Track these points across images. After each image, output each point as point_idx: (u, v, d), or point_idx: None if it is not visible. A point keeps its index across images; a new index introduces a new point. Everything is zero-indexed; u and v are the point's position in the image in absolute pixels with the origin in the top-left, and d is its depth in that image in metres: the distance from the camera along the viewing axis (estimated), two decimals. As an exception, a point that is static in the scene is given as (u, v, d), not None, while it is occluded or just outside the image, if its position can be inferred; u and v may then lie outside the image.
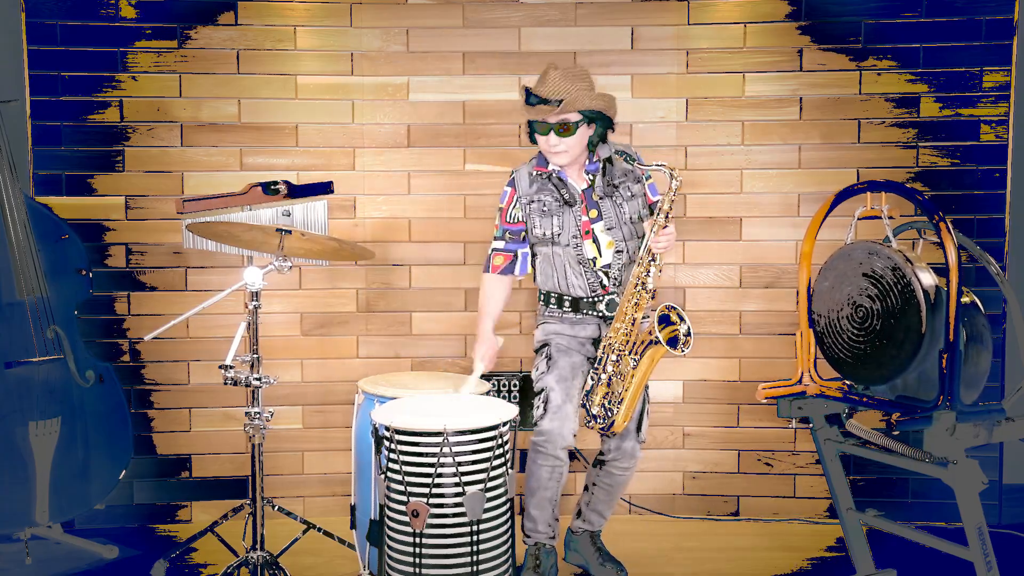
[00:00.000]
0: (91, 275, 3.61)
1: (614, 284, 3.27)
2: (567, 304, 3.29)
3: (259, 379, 3.07)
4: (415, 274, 4.01)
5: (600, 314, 3.27)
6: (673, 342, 3.07)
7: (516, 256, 3.34)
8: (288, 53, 3.90)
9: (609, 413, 3.16)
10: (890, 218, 2.84)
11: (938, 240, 2.62)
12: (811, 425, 3.00)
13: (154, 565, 3.40)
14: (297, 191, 3.55)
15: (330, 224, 3.74)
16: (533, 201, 3.29)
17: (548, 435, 3.17)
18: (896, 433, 2.74)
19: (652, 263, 3.15)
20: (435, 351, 4.02)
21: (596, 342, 3.29)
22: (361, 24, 3.90)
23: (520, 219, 3.32)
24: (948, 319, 2.58)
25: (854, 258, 2.83)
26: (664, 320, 3.10)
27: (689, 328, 3.09)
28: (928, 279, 2.67)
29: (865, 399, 2.86)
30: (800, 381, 2.96)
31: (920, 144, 3.86)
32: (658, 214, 3.15)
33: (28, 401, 3.41)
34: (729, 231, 3.96)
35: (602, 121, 3.23)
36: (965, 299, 2.72)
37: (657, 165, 3.15)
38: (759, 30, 3.88)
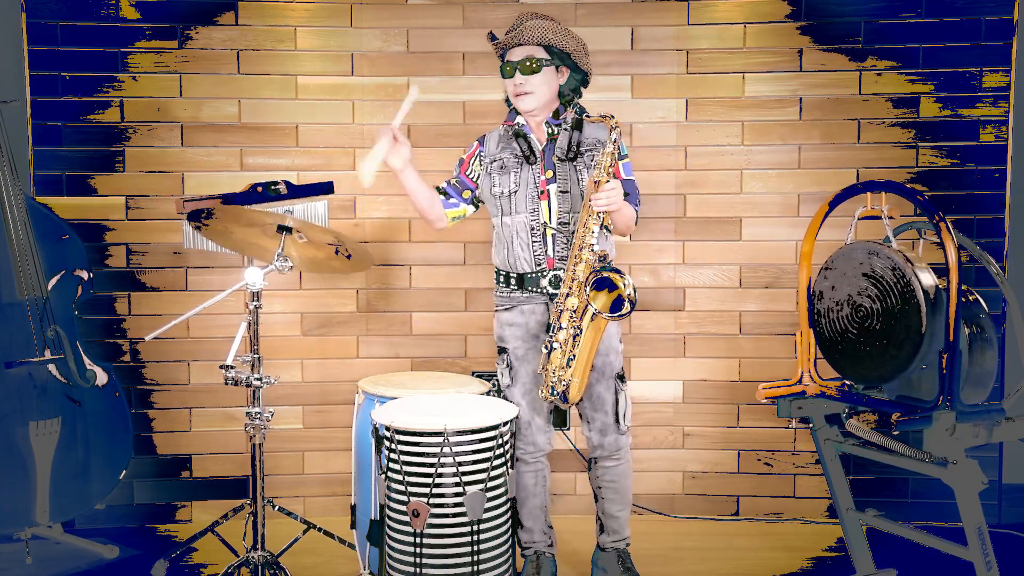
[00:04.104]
0: (91, 275, 3.62)
1: (559, 258, 3.15)
2: (513, 281, 3.20)
3: (259, 379, 3.06)
4: (415, 274, 4.01)
5: (544, 291, 3.16)
6: (618, 304, 2.98)
7: (451, 199, 3.25)
8: (288, 53, 3.90)
9: (563, 384, 3.02)
10: (890, 218, 2.85)
11: (938, 240, 2.62)
12: (811, 425, 3.00)
13: (154, 565, 3.40)
14: (297, 191, 3.55)
15: (330, 224, 3.74)
16: (495, 160, 3.21)
17: (525, 447, 3.20)
18: (896, 433, 2.74)
19: (596, 222, 2.99)
20: (435, 351, 4.03)
21: (549, 328, 3.15)
22: (361, 24, 3.90)
23: (477, 177, 3.24)
24: (948, 319, 2.58)
25: (854, 258, 2.84)
26: (602, 283, 2.99)
27: (630, 284, 2.96)
28: (928, 279, 2.67)
29: (865, 399, 2.86)
30: (800, 381, 2.96)
31: (920, 144, 3.86)
32: (596, 169, 3.01)
33: (28, 401, 3.41)
34: (729, 231, 3.96)
35: (574, 70, 3.15)
36: (968, 298, 2.72)
37: (601, 116, 3.05)
38: (759, 30, 3.88)
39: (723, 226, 3.96)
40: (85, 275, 3.60)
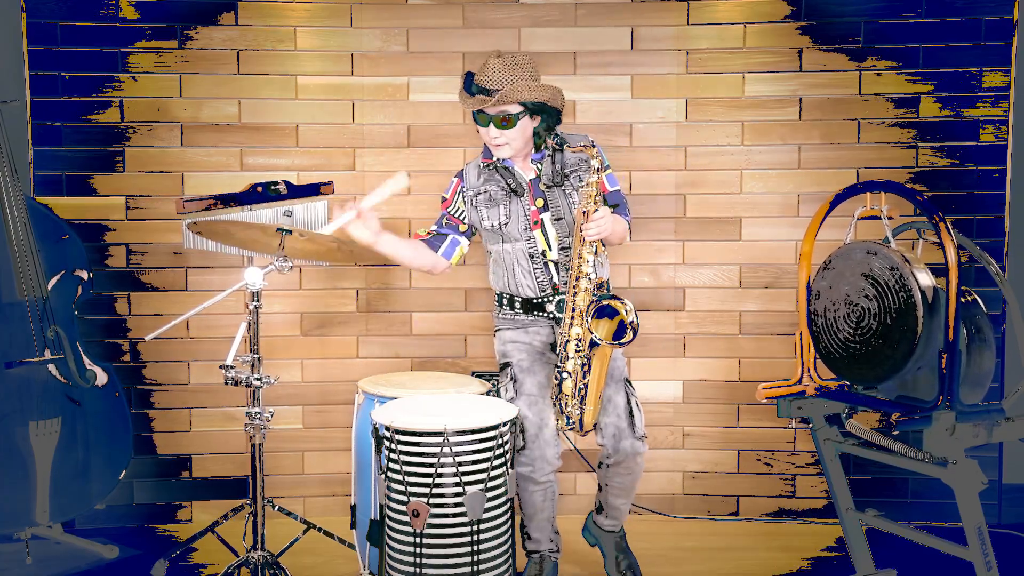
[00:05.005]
0: (91, 275, 3.62)
1: (563, 283, 3.18)
2: (518, 305, 3.24)
3: (259, 379, 3.06)
4: (415, 274, 4.01)
5: (551, 315, 3.21)
6: (621, 331, 2.99)
7: (445, 238, 3.27)
8: (288, 53, 3.90)
9: (577, 412, 3.06)
10: (890, 218, 2.85)
11: (938, 240, 2.62)
12: (811, 425, 3.00)
13: (154, 565, 3.40)
14: (297, 191, 3.55)
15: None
16: (480, 193, 3.23)
17: (533, 463, 3.10)
18: (896, 433, 2.74)
19: (590, 251, 3.02)
20: (435, 351, 4.03)
21: (554, 347, 3.22)
22: (361, 24, 3.90)
23: (462, 213, 3.26)
24: (947, 319, 2.58)
25: (853, 258, 2.84)
26: (603, 312, 3.02)
27: (632, 311, 2.98)
28: (926, 279, 2.67)
29: (865, 399, 2.86)
30: (800, 381, 2.96)
31: (920, 144, 3.86)
32: (583, 199, 3.03)
33: (28, 401, 3.41)
34: (729, 231, 3.96)
35: (547, 113, 3.15)
36: (966, 298, 2.72)
37: (582, 145, 3.06)
38: (759, 30, 3.88)
39: (723, 226, 3.96)
40: (85, 275, 3.60)
